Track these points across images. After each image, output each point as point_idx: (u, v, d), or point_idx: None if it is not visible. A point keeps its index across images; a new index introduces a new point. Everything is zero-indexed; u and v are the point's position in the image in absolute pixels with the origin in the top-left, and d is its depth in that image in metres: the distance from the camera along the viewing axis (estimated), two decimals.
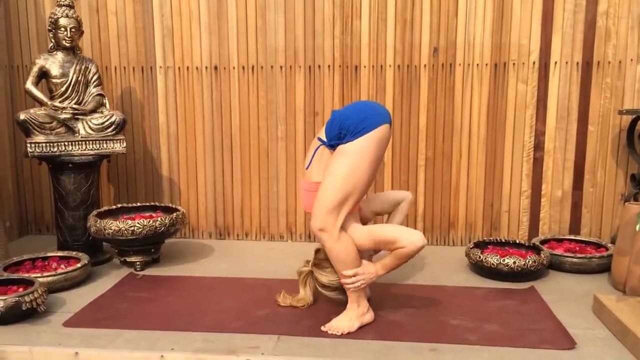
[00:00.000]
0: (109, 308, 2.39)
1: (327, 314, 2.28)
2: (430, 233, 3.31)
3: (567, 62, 3.09)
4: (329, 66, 3.22)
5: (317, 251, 2.33)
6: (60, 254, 2.82)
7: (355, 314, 2.17)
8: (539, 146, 3.18)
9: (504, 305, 2.41)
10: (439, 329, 2.17)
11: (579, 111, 3.12)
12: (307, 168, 2.16)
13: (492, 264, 2.68)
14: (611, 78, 3.06)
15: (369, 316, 2.21)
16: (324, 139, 2.19)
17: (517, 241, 2.97)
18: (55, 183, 2.91)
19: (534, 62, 3.11)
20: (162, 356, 1.98)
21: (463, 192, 3.26)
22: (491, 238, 3.05)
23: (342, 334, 2.10)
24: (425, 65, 3.17)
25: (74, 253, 2.80)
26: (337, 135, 2.13)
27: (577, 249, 2.96)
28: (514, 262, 2.64)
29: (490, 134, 3.20)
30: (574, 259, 2.80)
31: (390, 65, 3.18)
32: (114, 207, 3.05)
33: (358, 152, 2.08)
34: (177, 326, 2.20)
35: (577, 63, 3.08)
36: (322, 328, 2.14)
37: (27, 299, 2.21)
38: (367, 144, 2.08)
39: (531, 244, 2.92)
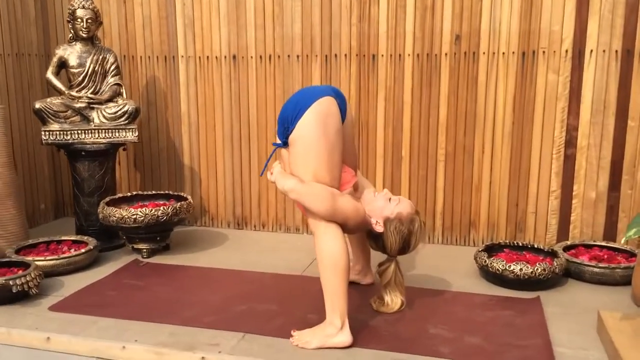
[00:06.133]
0: (98, 294, 2.45)
1: (304, 313, 2.22)
2: (449, 232, 3.13)
3: (604, 51, 2.78)
4: (345, 55, 3.10)
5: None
6: (73, 238, 2.93)
7: (322, 333, 1.98)
8: (570, 142, 2.90)
9: (498, 315, 2.22)
10: (414, 337, 2.04)
11: (618, 104, 2.81)
12: (260, 175, 2.11)
13: (497, 269, 2.48)
14: None
15: (339, 339, 1.96)
16: (278, 141, 2.17)
17: (536, 245, 2.74)
18: (72, 170, 3.03)
19: (566, 51, 2.84)
20: (123, 347, 2.00)
21: (485, 190, 3.05)
22: (507, 241, 2.83)
23: (296, 345, 1.98)
24: (446, 54, 2.98)
25: (86, 238, 2.90)
26: (284, 131, 2.07)
27: (605, 257, 2.68)
28: (521, 269, 2.43)
29: (517, 128, 2.96)
30: (595, 269, 2.54)
31: (409, 54, 3.02)
32: (129, 194, 3.12)
33: (302, 133, 2.03)
34: (152, 317, 2.21)
35: (616, 51, 2.77)
36: (292, 332, 2.06)
37: (18, 282, 2.30)
38: (307, 121, 2.02)
39: (550, 250, 2.68)
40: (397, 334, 2.06)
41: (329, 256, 1.98)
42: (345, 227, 2.10)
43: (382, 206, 2.14)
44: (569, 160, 2.92)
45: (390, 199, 2.16)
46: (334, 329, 1.97)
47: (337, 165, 2.10)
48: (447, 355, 1.91)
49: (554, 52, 2.85)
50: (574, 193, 2.94)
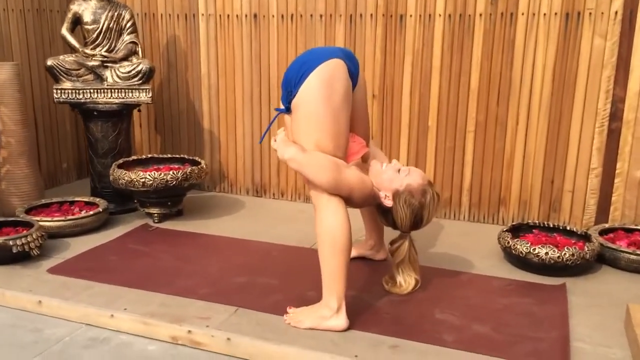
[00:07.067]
0: (100, 259, 2.39)
1: (305, 289, 2.09)
2: (476, 209, 2.92)
3: None
4: (371, 15, 2.89)
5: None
6: (86, 199, 2.88)
7: (316, 314, 1.85)
8: (616, 115, 2.62)
9: (515, 303, 2.03)
10: (417, 322, 1.88)
11: None
12: (260, 142, 1.95)
13: (521, 252, 2.28)
14: None
15: (333, 323, 1.82)
16: (281, 107, 2.01)
17: (569, 227, 2.50)
18: (86, 130, 2.96)
19: (616, 12, 2.54)
20: (112, 315, 1.93)
21: (518, 165, 2.81)
22: (536, 221, 2.61)
23: (288, 324, 1.86)
24: (480, 15, 2.72)
25: (98, 200, 2.85)
26: (287, 96, 1.90)
27: None
28: (546, 253, 2.22)
29: (556, 98, 2.69)
30: (632, 256, 2.30)
31: (439, 15, 2.78)
32: (144, 157, 3.04)
33: (306, 97, 1.87)
34: (148, 285, 2.13)
35: None
36: (287, 309, 1.93)
37: (18, 242, 2.26)
38: (311, 85, 1.86)
39: (583, 233, 2.44)
40: (400, 318, 1.91)
41: (329, 232, 1.83)
42: (350, 201, 1.94)
43: (390, 178, 1.97)
44: (613, 135, 2.64)
45: (399, 170, 1.98)
46: (329, 312, 1.83)
47: (343, 134, 1.93)
48: (449, 344, 1.75)
49: (602, 13, 2.56)
50: (616, 171, 2.67)
